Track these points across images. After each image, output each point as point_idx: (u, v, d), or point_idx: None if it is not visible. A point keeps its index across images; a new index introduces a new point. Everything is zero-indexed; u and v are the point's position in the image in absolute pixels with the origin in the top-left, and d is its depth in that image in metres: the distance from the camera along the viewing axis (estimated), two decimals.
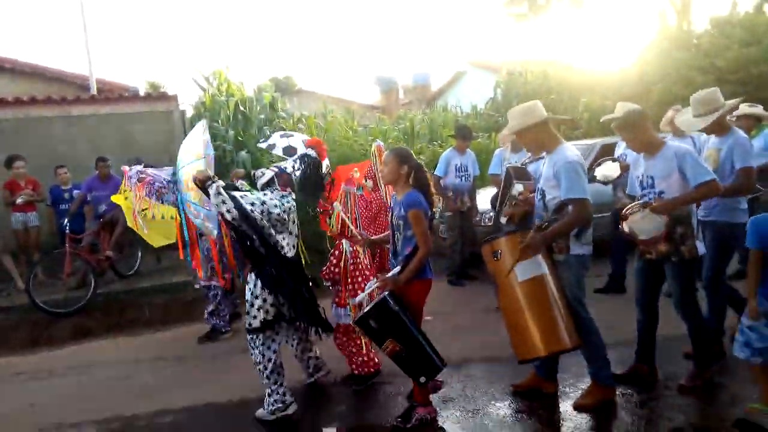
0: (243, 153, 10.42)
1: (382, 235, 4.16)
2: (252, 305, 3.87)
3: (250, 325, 3.88)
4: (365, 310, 3.53)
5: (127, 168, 4.83)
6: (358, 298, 3.87)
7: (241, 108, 11.64)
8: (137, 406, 4.28)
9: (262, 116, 12.00)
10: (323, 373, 4.43)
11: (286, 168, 4.16)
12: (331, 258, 4.36)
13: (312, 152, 4.37)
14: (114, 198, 5.39)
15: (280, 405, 3.91)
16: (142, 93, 11.66)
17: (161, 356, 5.42)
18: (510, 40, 41.44)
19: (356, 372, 4.34)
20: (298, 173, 4.22)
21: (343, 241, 4.30)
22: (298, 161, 4.28)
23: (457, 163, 7.01)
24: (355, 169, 4.51)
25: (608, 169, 5.58)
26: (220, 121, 11.18)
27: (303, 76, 51.09)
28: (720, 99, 4.10)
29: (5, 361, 5.66)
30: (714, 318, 4.18)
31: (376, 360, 4.37)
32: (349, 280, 4.22)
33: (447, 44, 62.50)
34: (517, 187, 4.84)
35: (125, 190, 4.85)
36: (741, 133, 4.08)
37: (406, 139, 12.45)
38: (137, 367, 5.20)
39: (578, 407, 3.71)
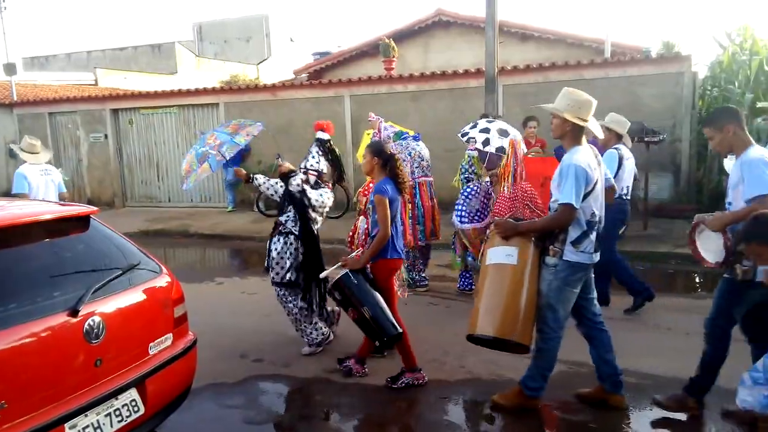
0: (759, 120, 9.20)
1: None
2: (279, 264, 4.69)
3: (281, 279, 4.68)
4: (330, 284, 4.11)
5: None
6: (324, 273, 4.46)
7: (766, 68, 10.19)
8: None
9: None
10: (335, 326, 5.06)
11: (310, 167, 4.77)
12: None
13: (323, 135, 4.87)
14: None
15: (321, 336, 4.77)
16: (654, 54, 11.45)
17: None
18: None
19: None
20: (321, 163, 4.83)
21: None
22: (314, 152, 4.86)
23: None
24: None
25: None
26: (736, 83, 10.09)
27: None
28: None
29: None
30: None
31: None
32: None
33: None
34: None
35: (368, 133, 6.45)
36: None
37: None
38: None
39: (493, 404, 3.79)
